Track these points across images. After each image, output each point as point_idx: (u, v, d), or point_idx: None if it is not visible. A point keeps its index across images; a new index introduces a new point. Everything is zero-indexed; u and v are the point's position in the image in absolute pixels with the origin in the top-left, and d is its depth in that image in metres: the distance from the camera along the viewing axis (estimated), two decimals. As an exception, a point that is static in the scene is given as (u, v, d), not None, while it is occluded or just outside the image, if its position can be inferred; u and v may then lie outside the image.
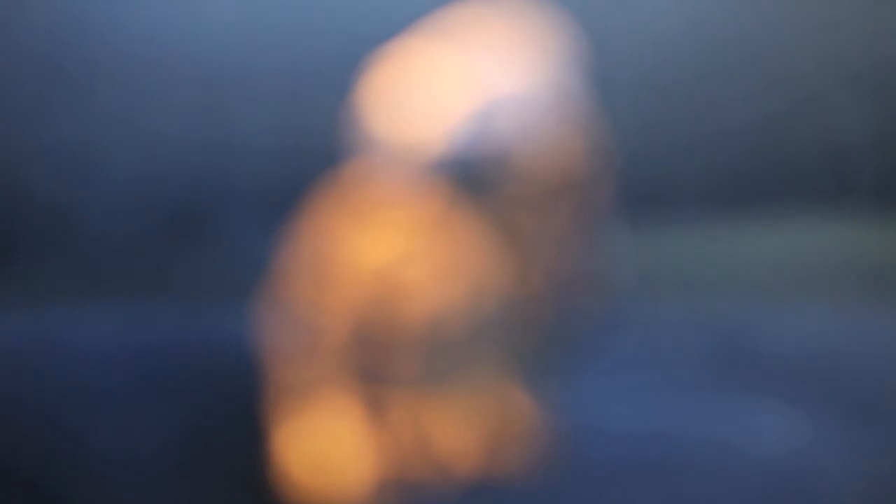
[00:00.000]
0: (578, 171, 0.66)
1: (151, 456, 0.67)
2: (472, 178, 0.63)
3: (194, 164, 1.47)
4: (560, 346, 0.67)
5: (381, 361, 0.65)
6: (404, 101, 0.64)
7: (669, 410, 0.83)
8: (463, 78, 0.63)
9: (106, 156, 1.45)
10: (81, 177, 1.46)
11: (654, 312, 1.34)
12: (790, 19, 1.34)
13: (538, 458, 0.64)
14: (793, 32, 1.37)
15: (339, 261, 0.65)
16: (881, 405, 0.78)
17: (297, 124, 1.48)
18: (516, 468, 0.64)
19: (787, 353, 1.07)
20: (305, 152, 1.43)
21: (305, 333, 0.66)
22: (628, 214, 1.33)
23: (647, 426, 0.77)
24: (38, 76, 1.46)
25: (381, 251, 0.64)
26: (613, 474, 0.66)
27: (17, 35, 1.27)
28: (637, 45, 1.42)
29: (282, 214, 1.43)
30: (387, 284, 0.64)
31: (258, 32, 1.47)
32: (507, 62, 0.65)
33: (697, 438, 0.72)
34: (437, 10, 0.68)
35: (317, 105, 1.41)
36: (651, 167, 1.40)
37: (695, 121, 1.41)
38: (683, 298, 1.38)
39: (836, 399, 0.86)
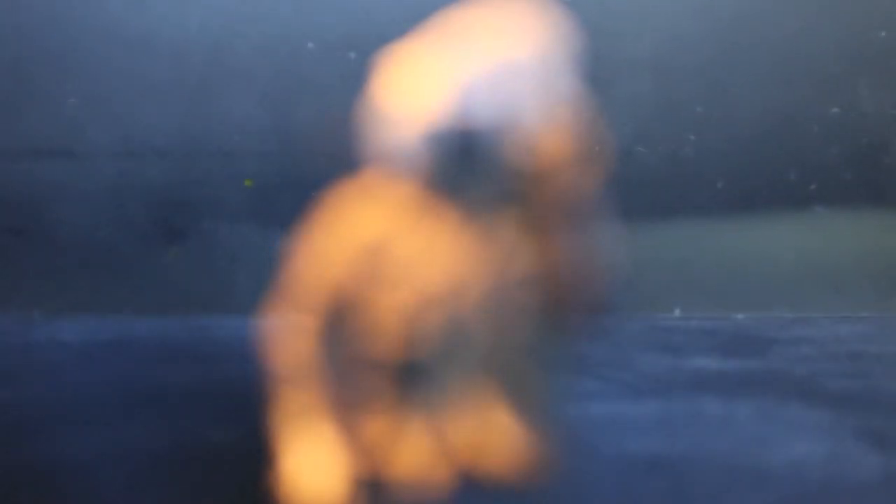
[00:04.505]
0: (575, 167, 0.66)
1: (147, 461, 0.67)
2: (471, 174, 0.63)
3: (185, 166, 1.46)
4: (559, 345, 0.67)
5: (379, 361, 0.64)
6: (403, 98, 0.64)
7: (674, 410, 0.82)
8: (463, 73, 0.63)
9: (96, 157, 1.44)
10: (73, 177, 1.44)
11: (665, 312, 1.33)
12: (815, 14, 1.32)
13: (531, 461, 0.64)
14: (818, 28, 1.35)
15: (335, 260, 0.66)
16: None
17: (294, 124, 1.47)
18: (508, 472, 0.64)
19: (805, 354, 1.05)
20: (299, 152, 1.42)
21: (302, 336, 0.66)
22: (648, 215, 1.31)
23: (650, 425, 0.77)
24: (14, 77, 1.44)
25: (375, 249, 0.64)
26: (615, 475, 0.66)
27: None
28: (647, 43, 1.40)
29: (277, 216, 1.42)
30: (382, 281, 0.65)
31: (252, 26, 1.46)
32: (507, 59, 0.65)
33: (704, 439, 0.71)
34: (438, 9, 0.68)
35: (311, 104, 1.40)
36: (669, 166, 1.39)
37: (715, 119, 1.39)
38: (699, 298, 1.37)
39: (855, 401, 0.85)
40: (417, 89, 0.62)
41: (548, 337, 0.64)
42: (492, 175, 0.63)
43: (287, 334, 0.61)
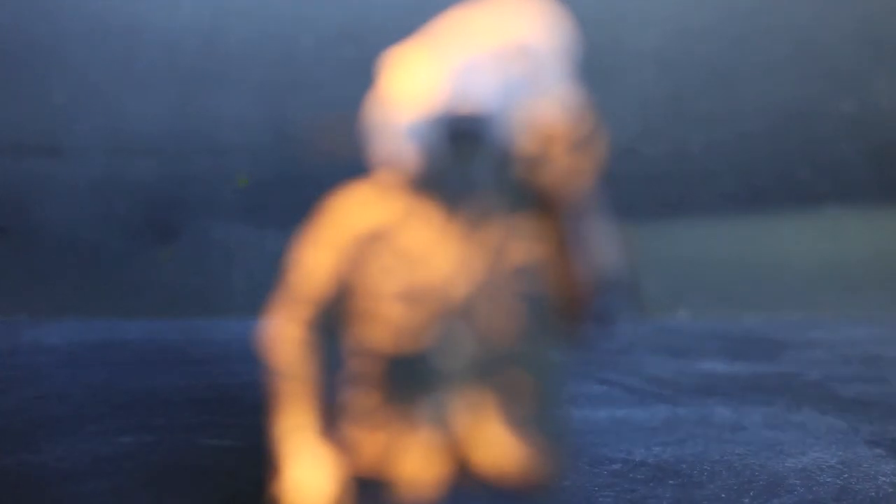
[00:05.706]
0: (579, 165, 0.64)
1: (133, 466, 0.66)
2: (470, 172, 0.61)
3: (177, 164, 1.45)
4: (565, 348, 0.65)
5: (377, 361, 0.62)
6: (400, 94, 0.62)
7: (681, 415, 0.80)
8: (462, 69, 0.61)
9: (84, 154, 1.42)
10: (61, 175, 1.43)
11: (672, 314, 1.32)
12: (827, 5, 1.30)
13: (533, 465, 0.62)
14: (831, 20, 1.33)
15: (333, 259, 0.64)
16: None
17: (290, 120, 1.46)
18: (509, 476, 0.62)
19: (818, 358, 1.04)
20: (295, 149, 1.40)
21: (299, 337, 0.64)
22: (654, 214, 1.30)
23: (656, 430, 0.75)
24: None
25: (373, 247, 0.63)
26: (621, 479, 0.63)
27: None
28: (652, 36, 1.39)
29: (272, 214, 1.41)
30: (380, 279, 0.62)
31: (246, 20, 1.44)
32: (508, 52, 0.63)
33: (711, 444, 0.69)
34: (436, 3, 0.65)
35: (307, 100, 1.38)
36: (674, 164, 1.38)
37: (723, 115, 1.38)
38: (707, 299, 1.36)
39: (869, 407, 0.83)
40: (416, 84, 0.59)
41: (553, 340, 0.62)
42: (491, 172, 0.60)
43: (283, 335, 0.58)
